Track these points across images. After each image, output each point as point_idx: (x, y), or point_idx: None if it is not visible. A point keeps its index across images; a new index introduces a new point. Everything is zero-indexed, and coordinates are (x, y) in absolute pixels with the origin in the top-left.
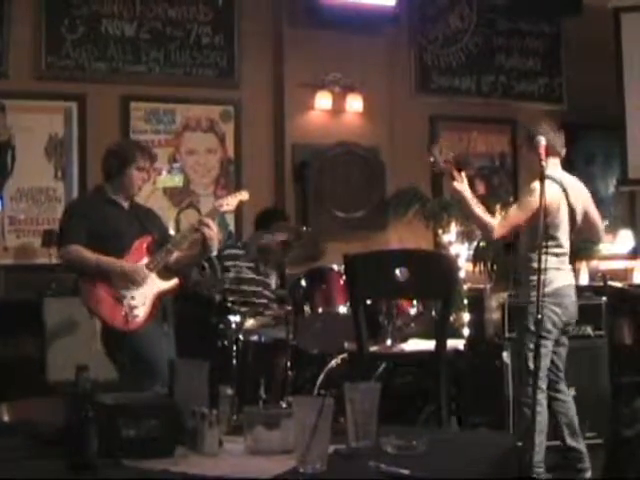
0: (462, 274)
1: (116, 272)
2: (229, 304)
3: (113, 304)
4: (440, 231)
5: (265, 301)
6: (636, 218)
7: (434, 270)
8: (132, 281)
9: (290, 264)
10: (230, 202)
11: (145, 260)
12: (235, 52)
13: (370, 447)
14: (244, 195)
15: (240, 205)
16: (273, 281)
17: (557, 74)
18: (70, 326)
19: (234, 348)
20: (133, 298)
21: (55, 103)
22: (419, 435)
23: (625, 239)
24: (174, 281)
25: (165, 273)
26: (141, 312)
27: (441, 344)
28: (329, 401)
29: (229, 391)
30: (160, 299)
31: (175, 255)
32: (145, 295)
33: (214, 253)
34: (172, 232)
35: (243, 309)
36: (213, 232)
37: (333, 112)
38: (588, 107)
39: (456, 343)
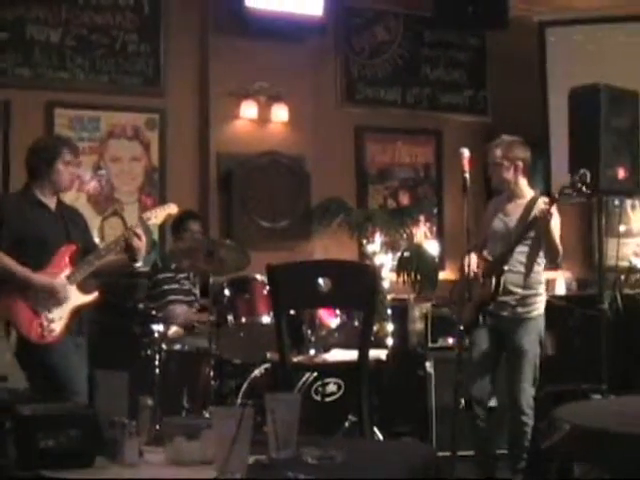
0: (386, 284)
1: (35, 285)
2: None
3: (30, 316)
4: (364, 241)
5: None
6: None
7: (356, 280)
8: (52, 297)
9: (216, 273)
10: (158, 215)
11: (67, 272)
12: (161, 60)
13: (290, 457)
14: (172, 209)
15: (168, 218)
16: (198, 290)
17: (482, 86)
18: None
19: (157, 357)
20: (50, 311)
21: None
22: (339, 445)
23: None
24: (93, 294)
25: (85, 286)
26: (58, 326)
27: (363, 354)
28: (249, 411)
29: (149, 401)
30: (78, 312)
31: (97, 265)
32: (63, 309)
33: (140, 263)
34: (96, 239)
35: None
36: (142, 243)
37: (258, 121)
38: (513, 120)
39: (379, 353)
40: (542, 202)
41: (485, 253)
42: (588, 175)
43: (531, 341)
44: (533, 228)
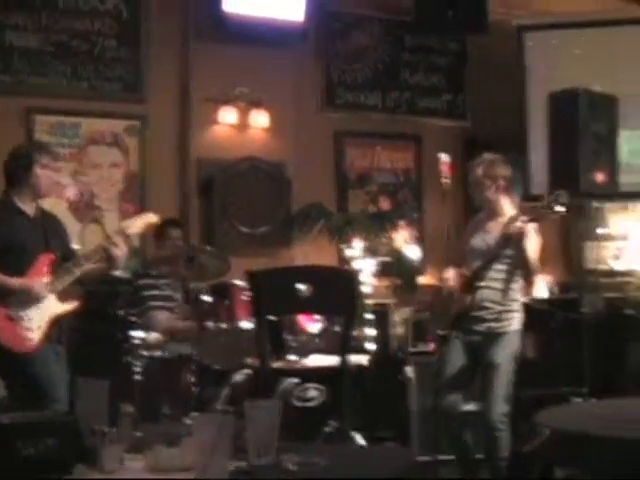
0: (367, 289)
1: (12, 288)
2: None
3: (7, 325)
4: (344, 246)
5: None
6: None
7: (336, 286)
8: (30, 297)
9: (196, 279)
10: (137, 224)
11: (45, 280)
12: (141, 66)
13: (271, 464)
14: (152, 218)
15: (147, 227)
16: (179, 296)
17: (461, 91)
18: None
19: (138, 364)
20: (29, 320)
21: None
22: (320, 451)
23: None
24: (72, 304)
25: (65, 295)
26: (36, 335)
27: (344, 359)
28: (229, 418)
29: (130, 408)
30: (57, 322)
31: (77, 274)
32: (42, 318)
33: (118, 271)
34: (76, 246)
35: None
36: (121, 252)
37: (238, 127)
38: (492, 124)
39: (360, 358)
40: (520, 220)
41: (464, 270)
42: (565, 195)
43: (505, 356)
44: (508, 246)
